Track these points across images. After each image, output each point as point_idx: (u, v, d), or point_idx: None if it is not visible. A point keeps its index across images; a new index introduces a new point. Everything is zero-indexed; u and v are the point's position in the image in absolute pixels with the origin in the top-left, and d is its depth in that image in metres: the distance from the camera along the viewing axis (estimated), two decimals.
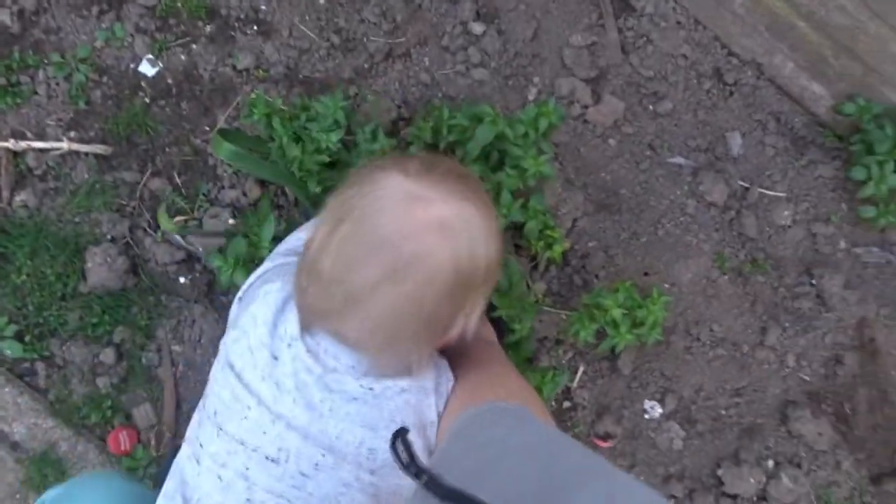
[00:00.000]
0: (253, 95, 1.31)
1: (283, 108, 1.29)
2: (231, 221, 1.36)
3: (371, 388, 0.78)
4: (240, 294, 0.91)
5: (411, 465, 0.66)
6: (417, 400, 0.81)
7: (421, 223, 0.71)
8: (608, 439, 1.39)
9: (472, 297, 0.78)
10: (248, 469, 0.79)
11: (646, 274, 1.46)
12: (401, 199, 0.72)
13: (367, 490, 0.80)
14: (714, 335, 1.47)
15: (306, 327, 0.78)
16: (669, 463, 1.44)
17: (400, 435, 0.73)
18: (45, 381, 1.38)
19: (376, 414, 0.79)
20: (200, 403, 0.87)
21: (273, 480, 0.79)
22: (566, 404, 1.40)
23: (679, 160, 1.49)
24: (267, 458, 0.79)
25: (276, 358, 0.79)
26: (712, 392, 1.47)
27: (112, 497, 0.96)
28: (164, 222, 1.37)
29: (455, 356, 1.10)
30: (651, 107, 1.49)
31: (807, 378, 1.48)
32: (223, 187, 1.38)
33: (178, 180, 1.39)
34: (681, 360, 1.46)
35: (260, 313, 0.81)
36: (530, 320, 1.28)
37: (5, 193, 1.40)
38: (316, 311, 0.76)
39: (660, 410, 1.45)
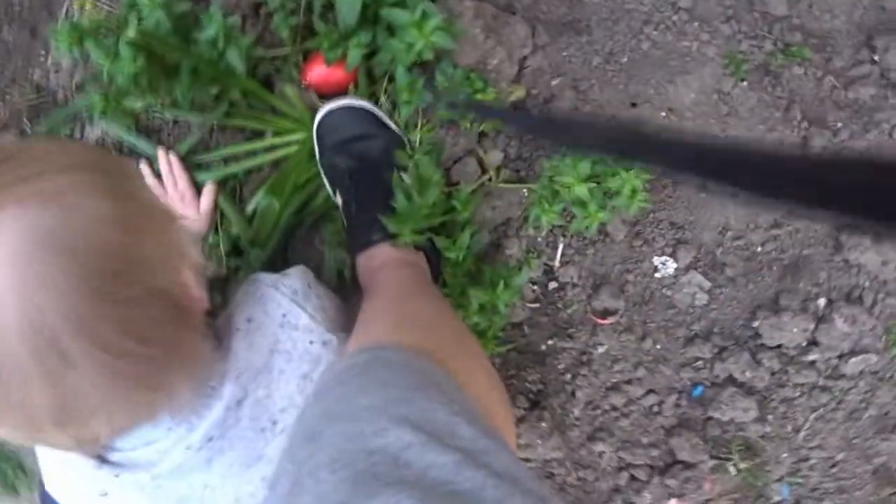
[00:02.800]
0: None
1: None
2: None
3: (209, 440, 0.65)
4: None
5: None
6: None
7: None
8: (607, 316, 1.17)
9: (137, 292, 0.53)
10: None
11: (633, 105, 1.11)
12: None
13: None
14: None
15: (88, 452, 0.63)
16: (692, 322, 1.20)
17: None
18: None
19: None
20: None
21: None
22: (552, 285, 1.17)
23: None
24: None
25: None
26: (742, 229, 1.18)
27: None
28: None
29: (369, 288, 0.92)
30: None
31: None
32: (87, 125, 1.14)
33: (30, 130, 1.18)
34: (693, 203, 1.16)
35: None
36: (469, 210, 1.03)
37: None
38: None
39: (674, 265, 1.18)
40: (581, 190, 0.96)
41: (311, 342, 0.72)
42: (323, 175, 1.05)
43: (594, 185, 0.97)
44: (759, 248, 1.18)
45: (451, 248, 1.00)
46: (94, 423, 0.53)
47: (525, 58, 1.08)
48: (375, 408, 0.49)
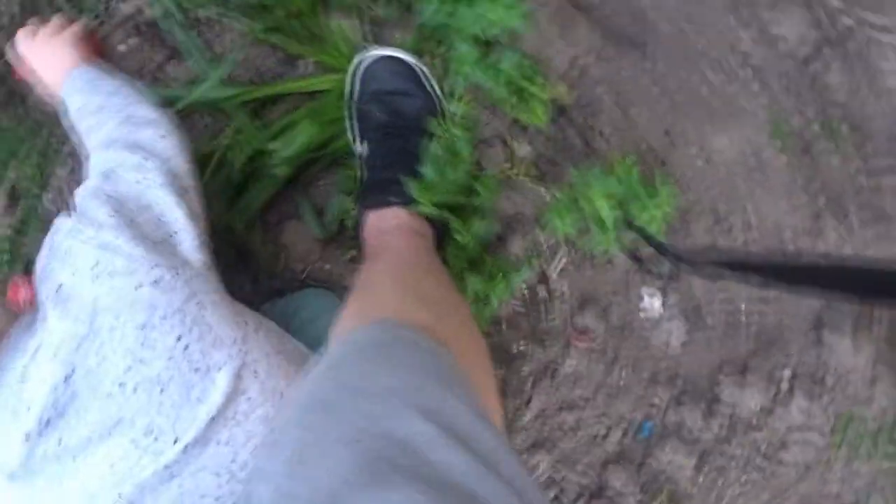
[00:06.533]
0: None
1: None
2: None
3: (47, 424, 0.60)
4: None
5: None
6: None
7: None
8: (584, 334, 1.17)
9: None
10: None
11: (666, 133, 1.10)
12: None
13: None
14: (747, 220, 1.15)
15: None
16: (661, 362, 1.22)
17: None
18: None
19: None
20: None
21: None
22: (541, 292, 1.16)
23: None
24: None
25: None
26: (733, 290, 1.19)
27: None
28: None
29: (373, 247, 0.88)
30: None
31: None
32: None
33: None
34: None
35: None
36: (490, 198, 1.01)
37: None
38: None
39: (660, 305, 1.19)
40: (605, 210, 0.95)
41: (136, 287, 0.63)
42: (353, 120, 1.01)
43: (617, 202, 0.96)
44: (743, 310, 1.20)
45: (461, 232, 0.98)
46: None
47: (577, 57, 1.06)
48: (401, 393, 0.47)
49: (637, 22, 1.08)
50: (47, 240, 0.68)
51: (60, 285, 0.64)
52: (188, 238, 0.70)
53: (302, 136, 0.95)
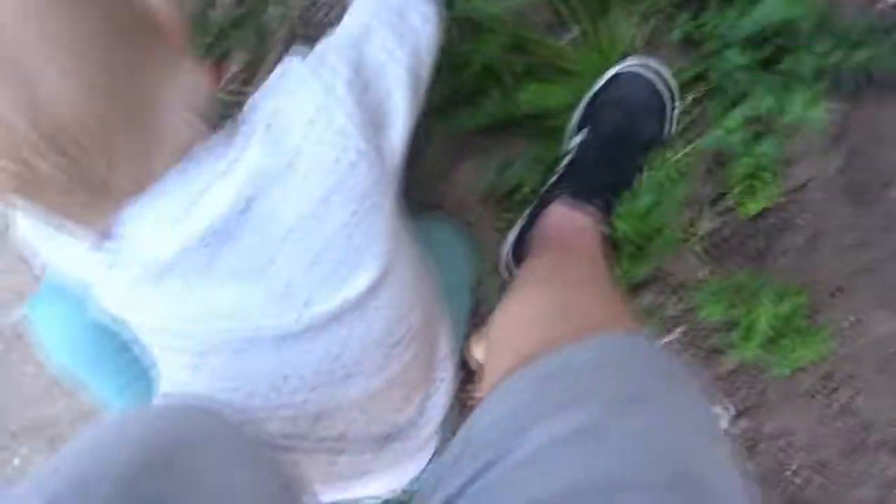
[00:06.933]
0: None
1: None
2: None
3: (214, 233, 0.60)
4: None
5: None
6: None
7: None
8: None
9: None
10: None
11: (839, 288, 1.09)
12: None
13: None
14: (849, 405, 1.15)
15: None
16: None
17: None
18: None
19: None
20: None
21: None
22: None
23: None
24: None
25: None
26: (793, 441, 1.20)
27: None
28: None
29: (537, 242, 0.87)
30: None
31: None
32: None
33: None
34: (788, 398, 1.16)
35: None
36: (662, 251, 1.00)
37: None
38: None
39: (726, 420, 1.20)
40: (763, 322, 0.94)
41: (343, 150, 0.61)
42: (587, 105, 0.99)
43: (774, 326, 0.96)
44: (791, 472, 1.21)
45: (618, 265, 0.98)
46: (92, 156, 0.52)
47: (813, 179, 1.04)
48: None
49: (874, 178, 1.07)
50: (276, 71, 0.66)
51: (274, 117, 0.61)
52: (399, 132, 0.68)
53: (556, 90, 0.93)
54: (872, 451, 1.18)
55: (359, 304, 0.66)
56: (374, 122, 0.64)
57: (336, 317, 0.65)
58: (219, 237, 0.59)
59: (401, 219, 0.71)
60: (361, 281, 0.65)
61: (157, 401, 0.72)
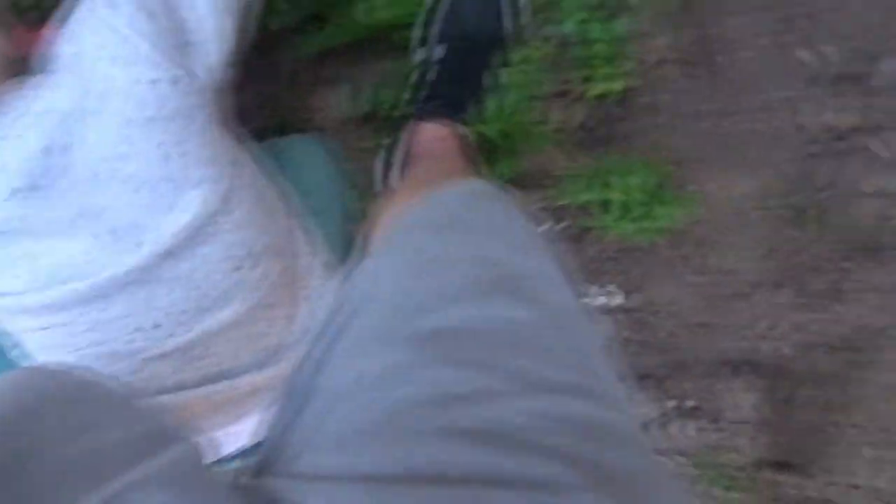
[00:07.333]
0: None
1: None
2: None
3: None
4: None
5: None
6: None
7: None
8: None
9: None
10: None
11: (699, 159, 1.17)
12: None
13: None
14: (706, 264, 1.25)
15: None
16: None
17: None
18: None
19: None
20: None
21: None
22: None
23: (811, 57, 1.13)
24: None
25: None
26: (677, 310, 1.30)
27: None
28: None
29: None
30: None
31: (770, 350, 1.31)
32: None
33: None
34: (657, 266, 1.25)
35: None
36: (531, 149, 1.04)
37: None
38: None
39: (617, 300, 1.28)
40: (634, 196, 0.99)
41: (134, 81, 0.60)
42: (435, 15, 0.98)
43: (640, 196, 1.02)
44: (669, 332, 1.31)
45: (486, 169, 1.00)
46: None
47: (666, 59, 1.10)
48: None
49: (726, 46, 1.13)
50: (72, 16, 0.63)
51: (65, 55, 0.61)
52: (210, 52, 0.65)
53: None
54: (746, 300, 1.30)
55: (200, 229, 0.65)
56: (173, 47, 0.62)
57: (176, 250, 0.65)
58: (27, 187, 0.58)
59: (235, 141, 0.70)
60: (193, 204, 0.63)
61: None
